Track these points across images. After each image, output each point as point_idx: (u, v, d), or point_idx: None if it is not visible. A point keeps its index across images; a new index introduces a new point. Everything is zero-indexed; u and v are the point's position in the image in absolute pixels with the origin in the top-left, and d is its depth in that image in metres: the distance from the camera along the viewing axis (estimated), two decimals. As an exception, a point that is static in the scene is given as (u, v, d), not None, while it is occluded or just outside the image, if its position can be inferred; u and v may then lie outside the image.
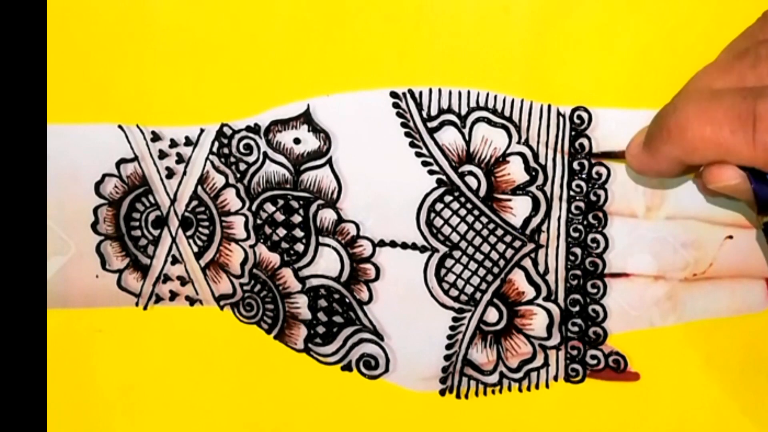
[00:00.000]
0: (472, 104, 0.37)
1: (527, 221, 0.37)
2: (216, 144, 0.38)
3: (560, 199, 0.37)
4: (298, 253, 0.38)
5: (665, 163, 0.30)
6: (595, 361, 0.37)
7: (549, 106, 0.36)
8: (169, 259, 0.38)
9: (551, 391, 0.38)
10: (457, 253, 0.37)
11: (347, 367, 0.38)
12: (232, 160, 0.38)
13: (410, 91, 0.37)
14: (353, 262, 0.37)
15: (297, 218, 0.38)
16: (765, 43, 0.29)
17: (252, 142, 0.37)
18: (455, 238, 0.37)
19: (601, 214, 0.37)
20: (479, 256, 0.37)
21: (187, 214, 0.38)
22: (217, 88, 0.38)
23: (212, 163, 0.38)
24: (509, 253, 0.37)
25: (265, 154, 0.37)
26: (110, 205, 0.38)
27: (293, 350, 0.39)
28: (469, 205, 0.37)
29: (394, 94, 0.37)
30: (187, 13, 0.37)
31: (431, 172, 0.37)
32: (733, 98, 0.27)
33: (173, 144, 0.38)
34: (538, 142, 0.37)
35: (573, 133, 0.37)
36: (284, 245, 0.38)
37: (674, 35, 0.36)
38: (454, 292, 0.37)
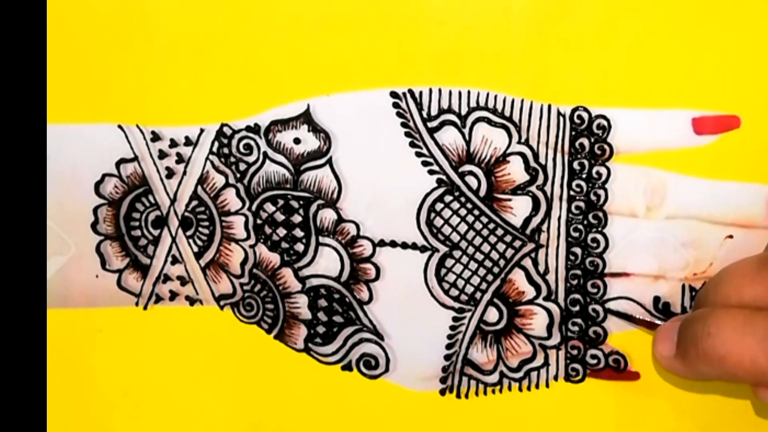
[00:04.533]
0: (472, 104, 0.37)
1: (527, 221, 0.37)
2: (216, 144, 0.38)
3: (560, 198, 0.37)
4: (298, 253, 0.38)
5: (700, 376, 0.31)
6: (595, 361, 0.37)
7: (549, 106, 0.36)
8: (169, 259, 0.38)
9: (551, 391, 0.38)
10: (457, 253, 0.37)
11: (347, 367, 0.38)
12: (232, 160, 0.38)
13: (410, 91, 0.37)
14: (353, 262, 0.37)
15: (297, 218, 0.38)
16: None
17: (252, 142, 0.37)
18: (455, 237, 0.37)
19: (601, 214, 0.37)
20: (479, 256, 0.37)
21: (187, 214, 0.38)
22: (217, 88, 0.38)
23: (212, 163, 0.38)
24: (509, 252, 0.37)
25: (265, 154, 0.37)
26: (110, 205, 0.38)
27: (293, 350, 0.38)
28: (469, 205, 0.37)
29: (394, 94, 0.37)
30: (187, 13, 0.37)
31: (431, 172, 0.37)
32: (766, 324, 0.28)
33: (173, 144, 0.38)
34: (538, 142, 0.37)
35: (573, 133, 0.37)
36: (284, 245, 0.38)
37: (674, 35, 0.36)
38: (454, 292, 0.37)
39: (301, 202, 0.37)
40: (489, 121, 0.36)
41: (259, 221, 0.38)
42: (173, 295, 0.39)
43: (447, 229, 0.37)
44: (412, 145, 0.37)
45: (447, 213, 0.37)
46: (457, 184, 0.37)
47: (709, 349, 0.30)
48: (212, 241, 0.38)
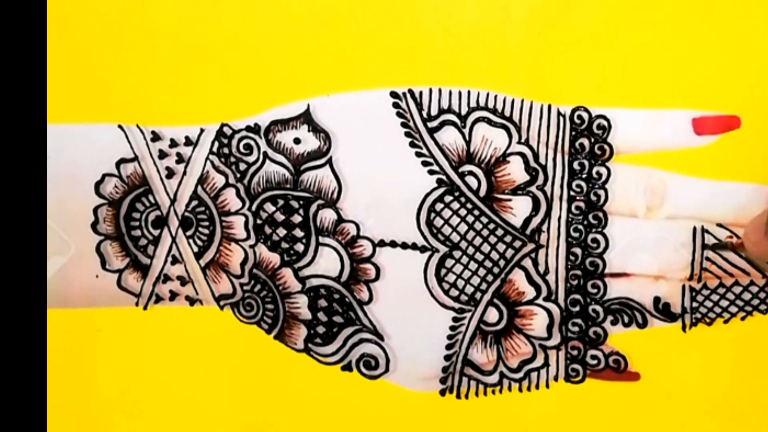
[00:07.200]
0: (472, 104, 0.37)
1: (527, 221, 0.37)
2: (216, 144, 0.38)
3: (560, 199, 0.37)
4: (298, 253, 0.38)
5: None
6: (595, 361, 0.37)
7: (549, 106, 0.36)
8: (169, 259, 0.38)
9: (551, 391, 0.38)
10: (457, 253, 0.37)
11: (347, 367, 0.38)
12: (232, 160, 0.38)
13: (410, 91, 0.37)
14: (353, 262, 0.37)
15: (297, 218, 0.38)
16: None
17: (252, 142, 0.37)
18: (455, 238, 0.37)
19: (601, 214, 0.37)
20: (479, 256, 0.37)
21: (187, 214, 0.38)
22: (217, 88, 0.38)
23: (212, 163, 0.38)
24: (509, 253, 0.37)
25: (265, 154, 0.37)
26: (110, 205, 0.38)
27: (293, 350, 0.38)
28: (469, 205, 0.37)
29: (394, 94, 0.37)
30: (187, 13, 0.37)
31: (431, 172, 0.37)
32: None
33: (173, 144, 0.38)
34: (538, 142, 0.37)
35: (573, 133, 0.37)
36: (284, 245, 0.38)
37: (674, 35, 0.36)
38: (454, 292, 0.37)
39: (301, 202, 0.37)
40: (489, 121, 0.36)
41: (259, 221, 0.38)
42: (173, 295, 0.39)
43: (447, 229, 0.37)
44: (412, 145, 0.37)
45: (447, 213, 0.37)
46: (457, 184, 0.37)
47: None
48: (212, 241, 0.38)
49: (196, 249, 0.38)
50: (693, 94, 0.36)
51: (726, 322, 0.37)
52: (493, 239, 0.37)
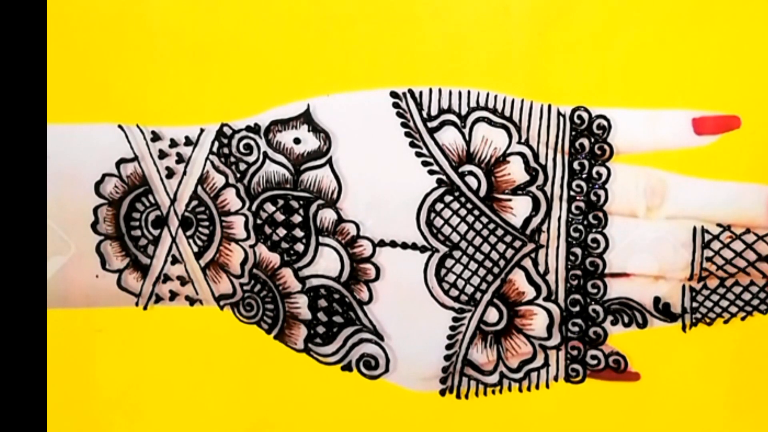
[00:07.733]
0: (472, 104, 0.37)
1: (527, 221, 0.37)
2: (216, 144, 0.38)
3: (560, 199, 0.37)
4: (298, 253, 0.38)
5: None
6: (595, 361, 0.37)
7: (549, 106, 0.37)
8: (169, 259, 0.38)
9: (551, 391, 0.38)
10: (457, 253, 0.37)
11: (347, 367, 0.38)
12: (232, 160, 0.38)
13: (410, 91, 0.37)
14: (353, 262, 0.37)
15: (297, 218, 0.38)
16: None
17: (252, 142, 0.37)
18: (455, 238, 0.37)
19: (601, 214, 0.37)
20: (479, 256, 0.37)
21: (187, 214, 0.38)
22: (217, 88, 0.38)
23: (212, 162, 0.38)
24: (509, 253, 0.37)
25: (265, 154, 0.37)
26: (110, 205, 0.38)
27: (293, 350, 0.39)
28: (469, 205, 0.37)
29: (394, 94, 0.37)
30: (187, 13, 0.37)
31: (431, 172, 0.37)
32: None
33: (173, 144, 0.38)
34: (538, 142, 0.37)
35: (573, 133, 0.37)
36: (284, 245, 0.38)
37: (673, 35, 0.36)
38: (454, 292, 0.37)
39: (301, 202, 0.37)
40: (489, 121, 0.36)
41: (259, 221, 0.38)
42: (173, 295, 0.39)
43: (447, 229, 0.37)
44: (412, 145, 0.37)
45: (447, 213, 0.37)
46: (457, 184, 0.37)
47: None
48: (212, 241, 0.38)
49: (196, 249, 0.38)
50: (693, 94, 0.36)
51: (726, 322, 0.37)
52: (493, 239, 0.37)
